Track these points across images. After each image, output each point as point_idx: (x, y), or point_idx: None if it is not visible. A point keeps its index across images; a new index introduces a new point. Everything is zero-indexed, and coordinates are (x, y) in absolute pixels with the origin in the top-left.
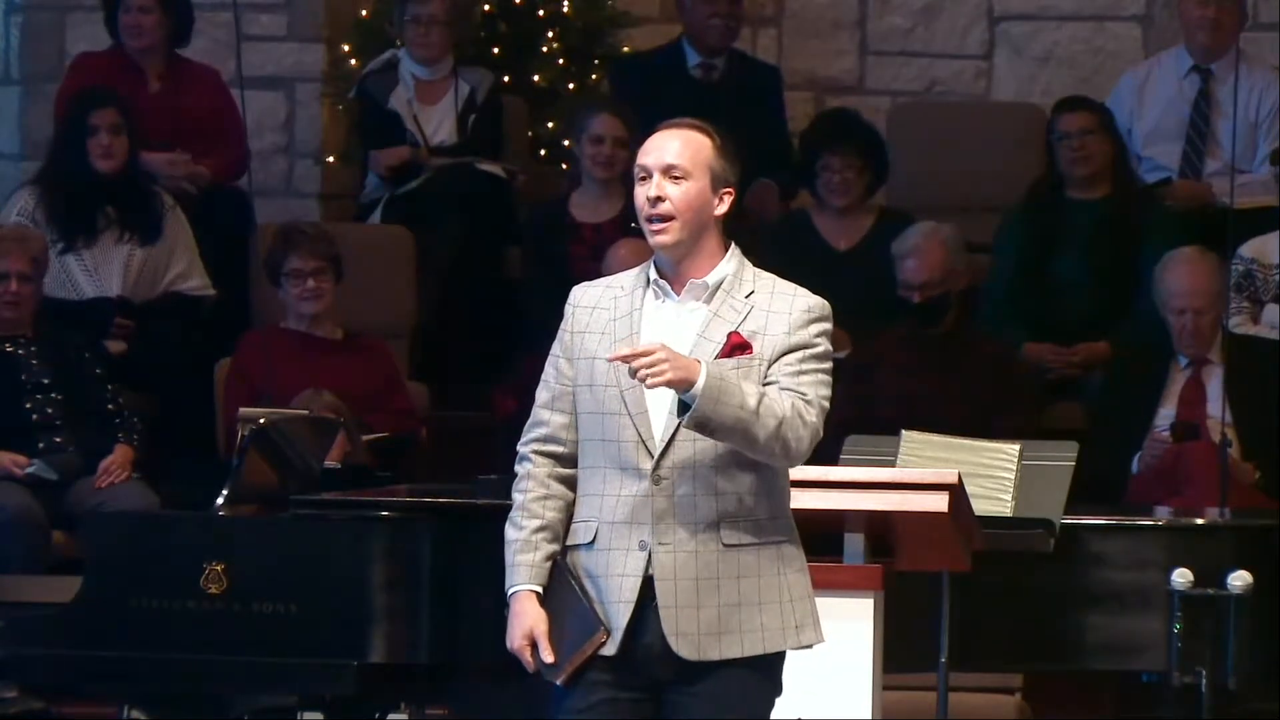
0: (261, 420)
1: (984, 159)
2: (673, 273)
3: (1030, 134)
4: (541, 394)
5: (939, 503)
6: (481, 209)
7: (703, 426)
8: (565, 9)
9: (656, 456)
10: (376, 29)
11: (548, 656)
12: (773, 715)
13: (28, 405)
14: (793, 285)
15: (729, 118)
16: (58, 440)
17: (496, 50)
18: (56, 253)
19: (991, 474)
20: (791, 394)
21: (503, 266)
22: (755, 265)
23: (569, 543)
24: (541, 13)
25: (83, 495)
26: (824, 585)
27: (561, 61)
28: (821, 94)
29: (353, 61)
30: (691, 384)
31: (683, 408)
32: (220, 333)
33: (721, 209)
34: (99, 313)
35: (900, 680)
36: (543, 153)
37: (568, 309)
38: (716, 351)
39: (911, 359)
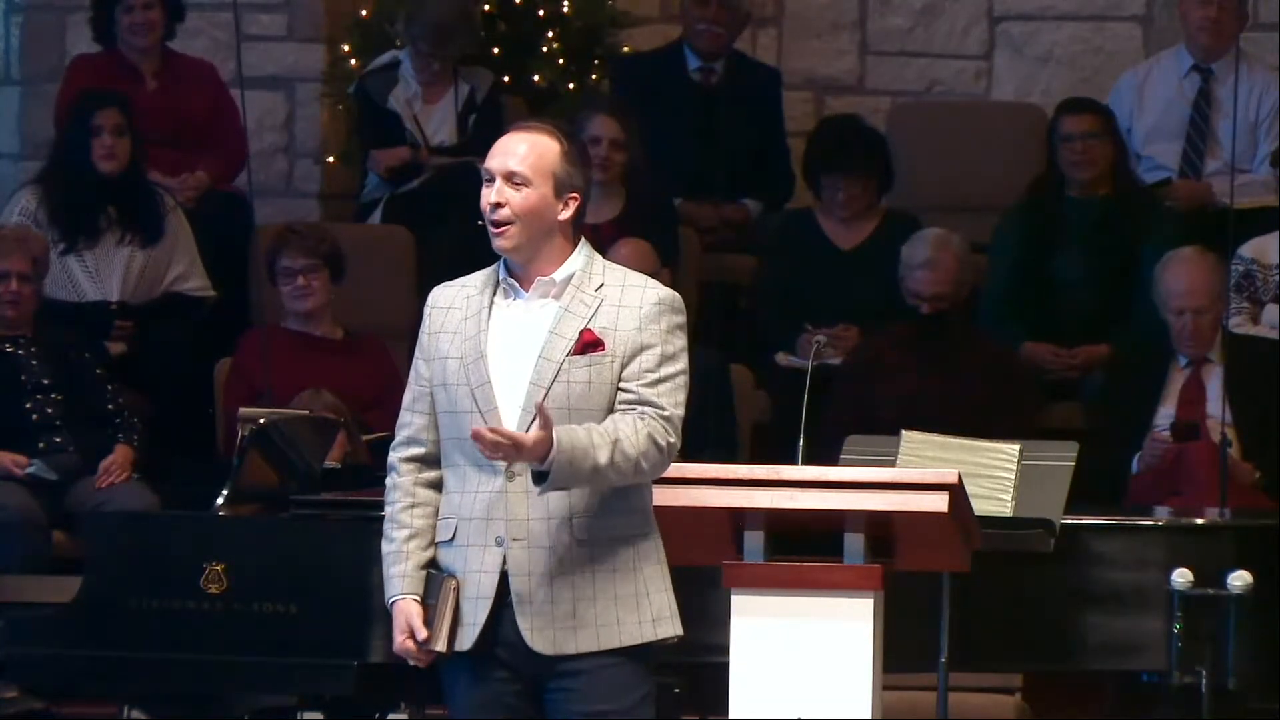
0: (261, 420)
1: (984, 159)
2: (521, 272)
3: (1030, 134)
4: (406, 395)
5: (939, 503)
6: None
7: (561, 489)
8: (565, 9)
9: None
10: (376, 29)
11: (422, 633)
12: (775, 716)
13: (28, 405)
14: (643, 277)
15: (728, 121)
16: (58, 440)
17: (496, 50)
18: (58, 254)
19: (991, 474)
20: (649, 413)
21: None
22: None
23: (435, 539)
24: (541, 13)
25: (83, 495)
26: (824, 585)
27: (561, 61)
28: (821, 94)
29: (353, 61)
30: (542, 458)
31: (539, 475)
32: (220, 333)
33: (566, 214)
34: (99, 315)
35: (900, 680)
36: None
37: (426, 310)
38: (569, 349)
39: (911, 359)
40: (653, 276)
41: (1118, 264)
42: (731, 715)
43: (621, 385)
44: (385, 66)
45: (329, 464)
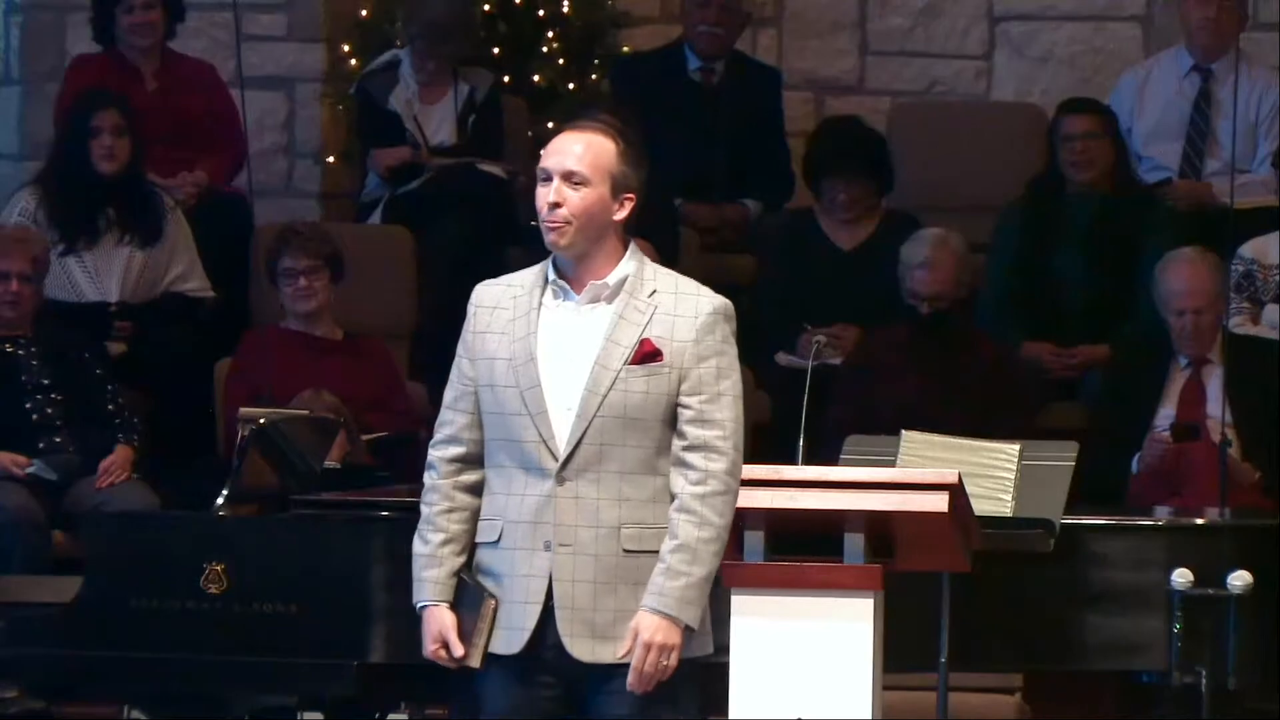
0: (261, 420)
1: (984, 159)
2: (571, 273)
3: (1030, 134)
4: (447, 394)
5: (939, 503)
6: (481, 209)
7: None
8: (565, 9)
9: (562, 458)
10: (376, 29)
11: (458, 649)
12: (775, 716)
13: (28, 405)
14: (694, 284)
15: (728, 121)
16: (58, 440)
17: (496, 50)
18: (57, 254)
19: (991, 474)
20: (708, 440)
21: (503, 266)
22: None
23: (476, 540)
24: (541, 13)
25: (83, 495)
26: (824, 585)
27: (561, 61)
28: (821, 94)
29: (353, 61)
30: (682, 631)
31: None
32: (220, 333)
33: (622, 214)
34: (99, 315)
35: (900, 680)
36: (543, 153)
37: (470, 308)
38: (627, 357)
39: (911, 359)
40: None
41: (1118, 264)
42: (731, 715)
43: (682, 402)
44: (385, 67)
45: (329, 464)
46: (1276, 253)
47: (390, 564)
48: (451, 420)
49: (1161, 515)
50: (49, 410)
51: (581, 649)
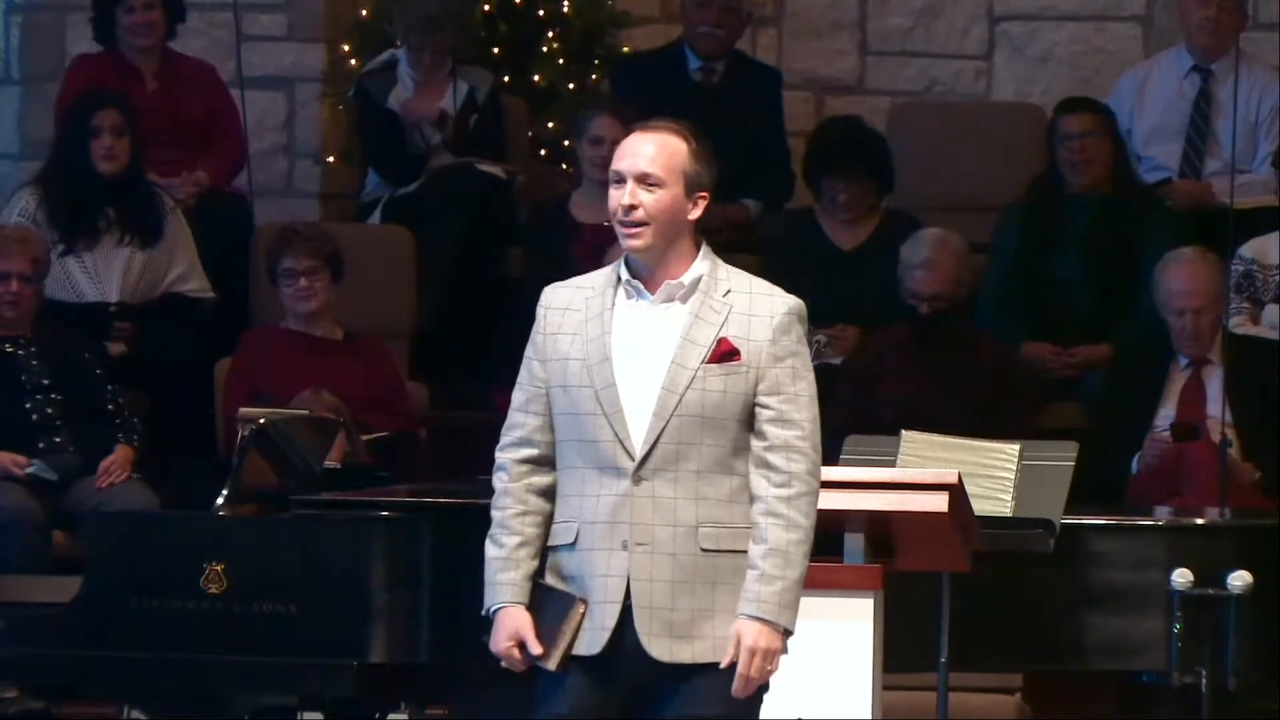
0: (261, 420)
1: (984, 159)
2: (646, 274)
3: (1030, 134)
4: (517, 396)
5: (939, 503)
6: (481, 209)
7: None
8: (565, 9)
9: (639, 457)
10: (376, 29)
11: (536, 648)
12: (775, 716)
13: (28, 405)
14: (768, 284)
15: (728, 121)
16: (58, 440)
17: (496, 50)
18: (57, 254)
19: (991, 474)
20: (789, 440)
21: (503, 266)
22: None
23: (549, 544)
24: (541, 13)
25: (83, 495)
26: (824, 585)
27: (561, 61)
28: (821, 94)
29: (353, 61)
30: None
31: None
32: (220, 333)
33: (695, 213)
34: (99, 315)
35: (900, 680)
36: (543, 153)
37: (540, 310)
38: (704, 356)
39: (911, 359)
40: None
41: (1117, 264)
42: None
43: (760, 401)
44: (383, 66)
45: (329, 464)
46: (1276, 253)
47: (390, 564)
48: (522, 423)
49: (1161, 515)
50: (49, 410)
51: (659, 648)
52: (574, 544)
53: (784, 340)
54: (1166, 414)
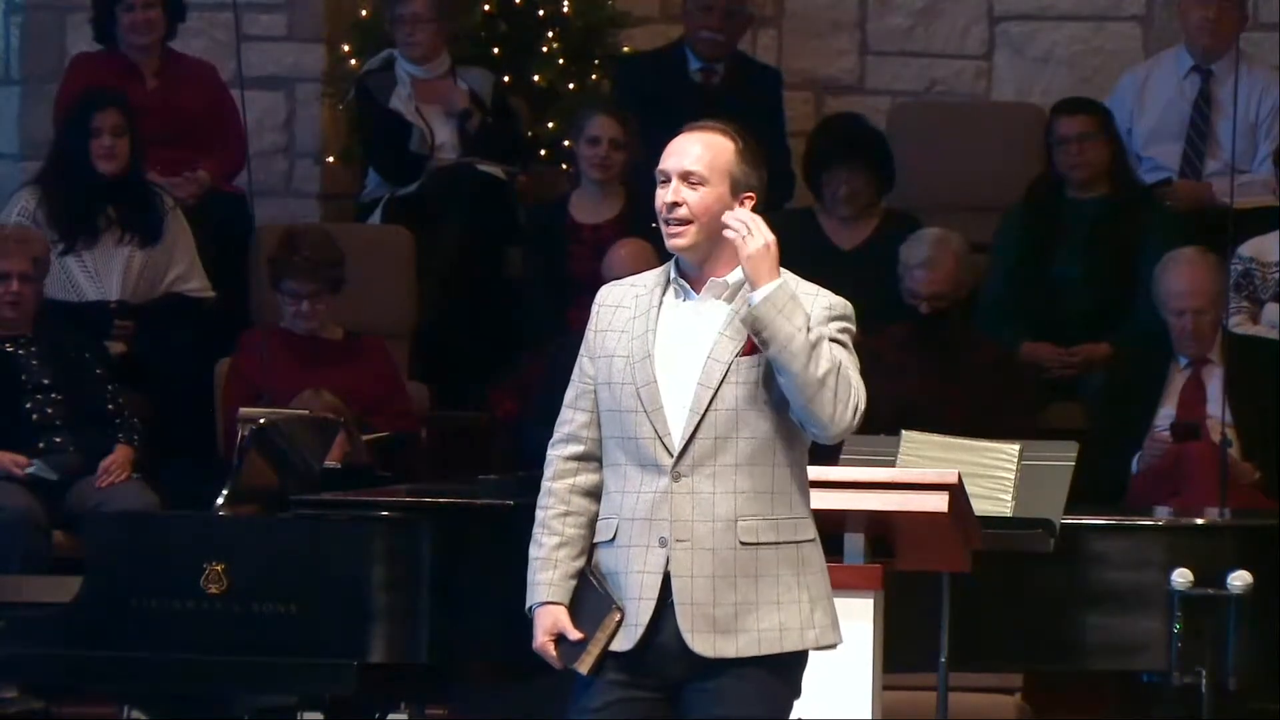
0: (261, 420)
1: (984, 159)
2: (694, 273)
3: (1030, 134)
4: (569, 392)
5: (939, 503)
6: (481, 209)
7: (757, 329)
8: (565, 9)
9: (676, 453)
10: (376, 29)
11: (573, 634)
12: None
13: (28, 405)
14: (815, 286)
15: (728, 121)
16: (58, 440)
17: (496, 50)
18: (57, 254)
19: (991, 474)
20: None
21: (503, 266)
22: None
23: (595, 540)
24: (541, 13)
25: (83, 495)
26: None
27: (561, 61)
28: (821, 94)
29: (353, 61)
30: (765, 283)
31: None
32: (220, 333)
33: None
34: (99, 315)
35: (900, 680)
36: (543, 153)
37: (594, 307)
38: (738, 349)
39: (911, 359)
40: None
41: (1117, 264)
42: None
43: None
44: (381, 66)
45: (329, 464)
46: (1276, 252)
47: (390, 564)
48: (571, 419)
49: (1161, 515)
50: (49, 410)
51: (703, 644)
52: (613, 540)
53: (820, 328)
54: (1166, 414)
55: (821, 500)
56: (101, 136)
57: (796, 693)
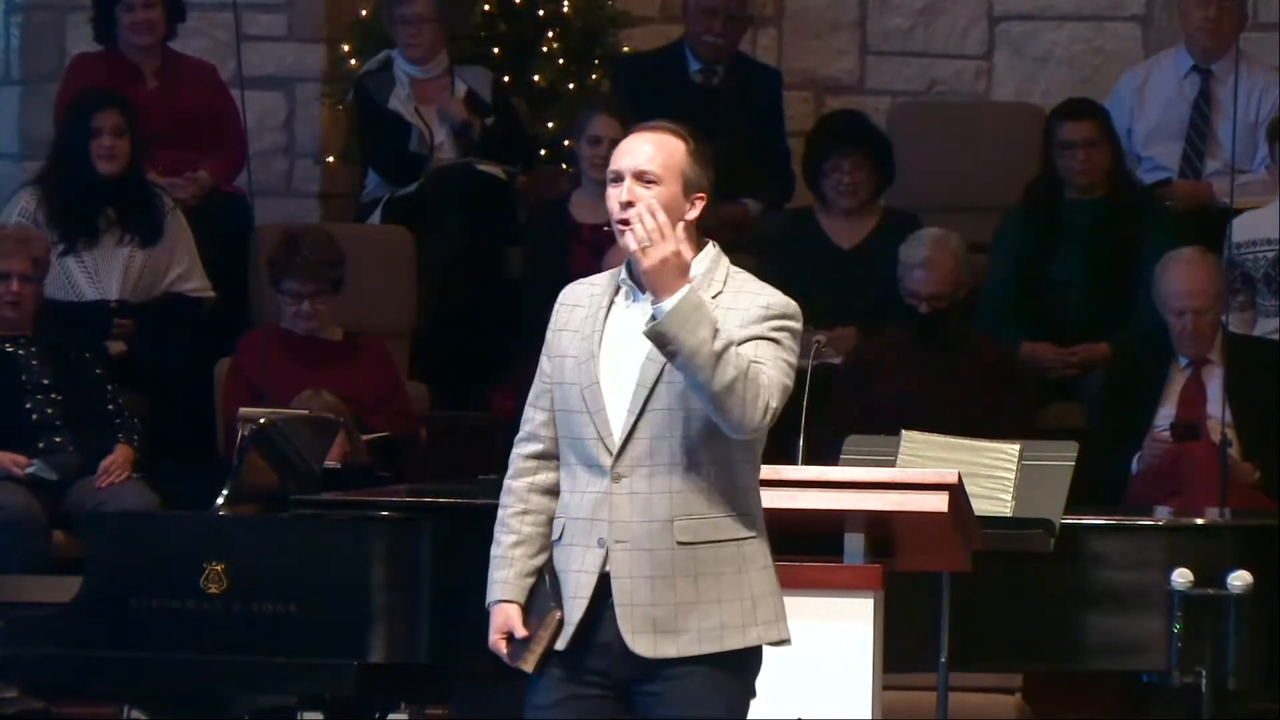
0: (261, 420)
1: (984, 159)
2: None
3: (1030, 134)
4: (531, 391)
5: (939, 503)
6: (481, 209)
7: (662, 343)
8: (565, 9)
9: (615, 454)
10: (376, 29)
11: (521, 631)
12: (775, 716)
13: (28, 405)
14: (763, 285)
15: (729, 121)
16: (58, 440)
17: (496, 50)
18: (57, 254)
19: (991, 474)
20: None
21: (503, 266)
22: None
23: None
24: (541, 13)
25: (83, 495)
26: (824, 585)
27: (561, 61)
28: (821, 94)
29: (353, 61)
30: (669, 295)
31: (652, 320)
32: (220, 333)
33: (693, 213)
34: (99, 315)
35: (900, 680)
36: (543, 152)
37: (556, 306)
38: None
39: (911, 359)
40: None
41: (1117, 264)
42: None
43: None
44: (380, 67)
45: (329, 464)
46: (1267, 227)
47: (390, 564)
48: (531, 417)
49: (1161, 515)
50: (49, 410)
51: (644, 645)
52: (560, 539)
53: (753, 327)
54: (1166, 414)
55: (821, 500)
56: (102, 137)
57: (748, 693)
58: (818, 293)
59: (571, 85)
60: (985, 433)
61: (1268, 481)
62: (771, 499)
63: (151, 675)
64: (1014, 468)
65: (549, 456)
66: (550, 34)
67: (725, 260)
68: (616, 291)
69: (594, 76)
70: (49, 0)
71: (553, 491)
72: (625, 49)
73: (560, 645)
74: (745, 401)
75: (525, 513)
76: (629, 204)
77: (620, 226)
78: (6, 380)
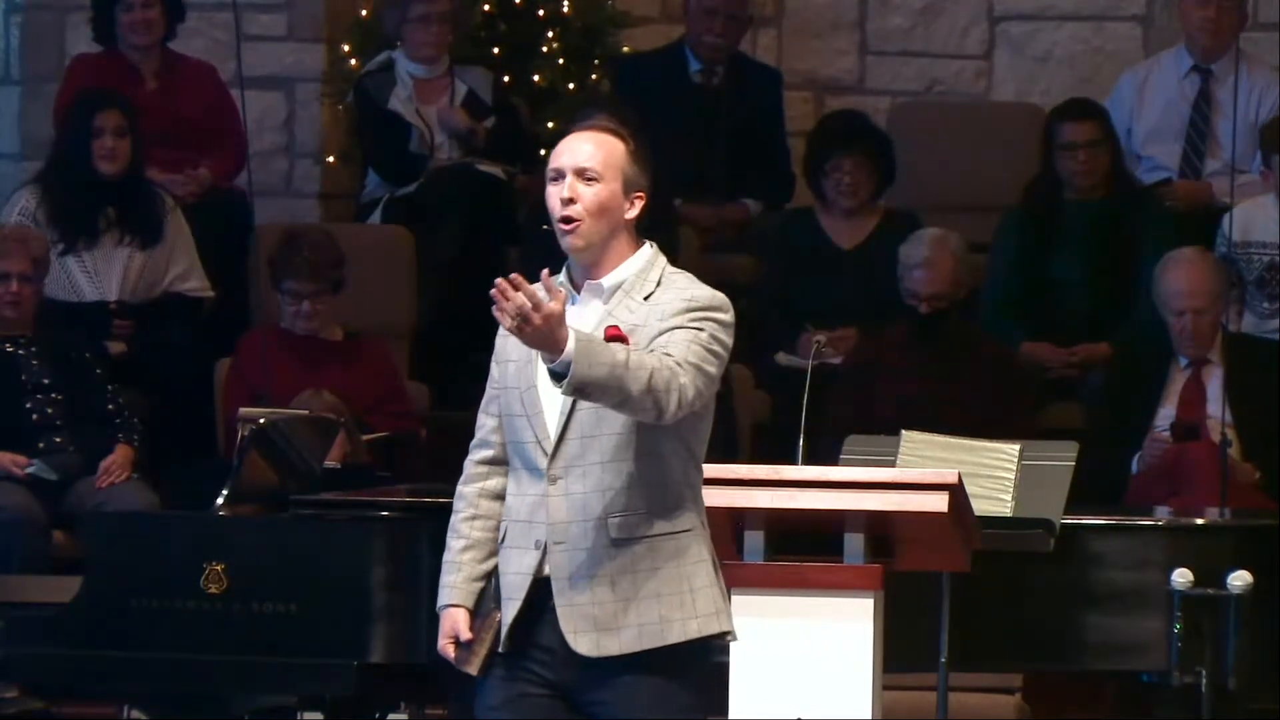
0: (261, 420)
1: (984, 159)
2: (580, 276)
3: (1030, 134)
4: (484, 397)
5: (939, 503)
6: (481, 209)
7: (581, 391)
8: (565, 9)
9: (550, 455)
10: (376, 29)
11: (465, 635)
12: (775, 716)
13: (28, 405)
14: (695, 282)
15: (729, 121)
16: (58, 440)
17: (496, 50)
18: (57, 254)
19: (991, 474)
20: (657, 354)
21: (503, 266)
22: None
23: None
24: (541, 13)
25: (83, 495)
26: (824, 585)
27: (561, 61)
28: (821, 94)
29: (353, 61)
30: (560, 348)
31: (556, 377)
32: (220, 333)
33: (633, 212)
34: (99, 315)
35: (900, 680)
36: (543, 152)
37: None
38: None
39: (911, 359)
40: None
41: (1116, 264)
42: (731, 715)
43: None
44: (380, 68)
45: (329, 464)
46: (1262, 229)
47: (390, 564)
48: (482, 424)
49: (1161, 515)
50: (49, 410)
51: (586, 644)
52: (503, 541)
53: (674, 319)
54: (1166, 414)
55: (821, 500)
56: (103, 137)
57: (700, 689)
58: (818, 293)
59: (571, 85)
60: (985, 433)
61: (1268, 481)
62: (771, 499)
63: (151, 675)
64: (1014, 468)
65: (500, 462)
66: (550, 34)
67: (662, 260)
68: None
69: (594, 76)
70: (49, 0)
71: (503, 496)
72: (625, 49)
73: (502, 648)
74: (659, 398)
75: (475, 518)
76: (570, 200)
77: (561, 226)
78: (6, 380)
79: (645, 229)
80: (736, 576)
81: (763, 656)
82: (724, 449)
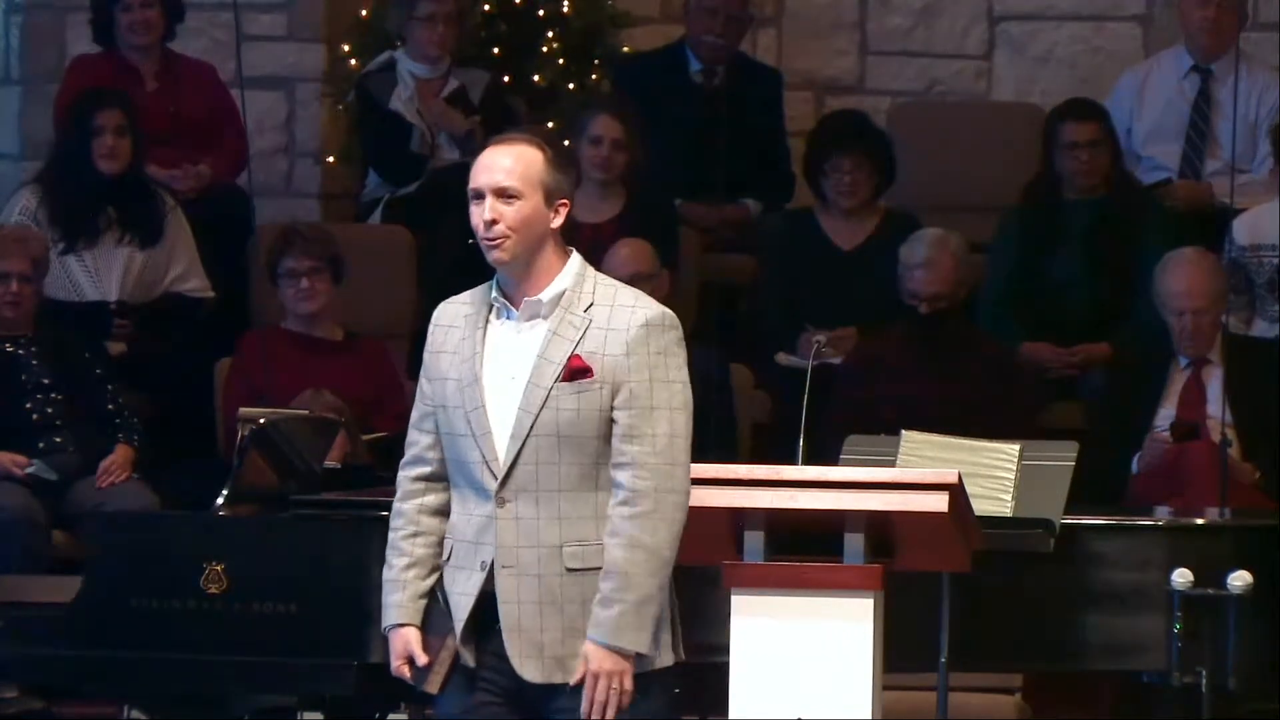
0: (261, 420)
1: (984, 159)
2: (513, 290)
3: (1030, 134)
4: (414, 413)
5: (939, 503)
6: None
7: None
8: (565, 9)
9: (500, 478)
10: (376, 29)
11: (422, 659)
12: (775, 716)
13: (28, 405)
14: (634, 295)
15: (729, 121)
16: (58, 440)
17: (496, 50)
18: (57, 253)
19: (991, 474)
20: (635, 456)
21: None
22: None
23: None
24: (541, 13)
25: (83, 495)
26: (824, 585)
27: (561, 61)
28: (821, 94)
29: (353, 61)
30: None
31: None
32: (220, 333)
33: (558, 221)
34: (99, 315)
35: (900, 680)
36: None
37: (430, 327)
38: (558, 374)
39: (911, 359)
40: (653, 277)
41: (1116, 264)
42: (731, 715)
43: (614, 413)
44: (381, 68)
45: (329, 464)
46: (1272, 233)
47: None
48: (416, 440)
49: (1161, 515)
50: (49, 410)
51: (533, 670)
52: (448, 560)
53: (640, 352)
54: (1166, 414)
55: (821, 500)
56: (103, 136)
57: (656, 711)
58: (818, 293)
59: (571, 85)
60: (985, 433)
61: (1267, 481)
62: (772, 499)
63: (151, 675)
64: (1014, 468)
65: (437, 479)
66: (550, 34)
67: (590, 270)
68: (490, 310)
69: (594, 76)
70: (49, 0)
71: (442, 512)
72: (625, 49)
73: (463, 662)
74: (661, 547)
75: (416, 535)
76: (493, 222)
77: (486, 243)
78: (6, 380)
79: (646, 229)
80: (736, 576)
81: (763, 656)
82: (724, 449)
